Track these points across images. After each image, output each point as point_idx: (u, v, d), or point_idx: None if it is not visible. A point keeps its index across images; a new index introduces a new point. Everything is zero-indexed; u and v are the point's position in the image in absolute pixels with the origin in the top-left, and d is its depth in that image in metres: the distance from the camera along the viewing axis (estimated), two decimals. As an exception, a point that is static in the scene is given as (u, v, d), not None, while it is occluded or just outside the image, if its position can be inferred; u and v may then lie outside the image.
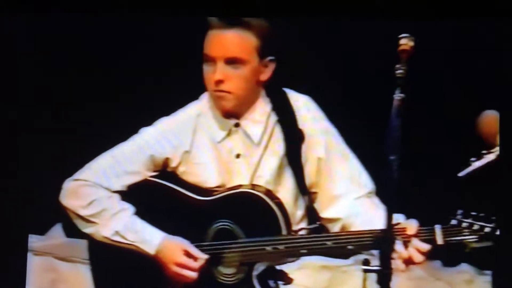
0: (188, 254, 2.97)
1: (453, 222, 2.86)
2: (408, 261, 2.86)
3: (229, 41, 2.97)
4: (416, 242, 2.86)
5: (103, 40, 4.09)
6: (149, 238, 3.00)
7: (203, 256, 2.98)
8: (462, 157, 3.67)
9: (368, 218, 2.98)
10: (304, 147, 3.05)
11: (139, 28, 4.01)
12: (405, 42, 2.59)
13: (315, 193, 3.08)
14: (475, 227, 2.84)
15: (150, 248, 2.99)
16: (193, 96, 3.13)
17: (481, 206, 2.90)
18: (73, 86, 4.18)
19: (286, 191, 3.04)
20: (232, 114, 3.04)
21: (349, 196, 3.05)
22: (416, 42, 2.59)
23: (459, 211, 2.87)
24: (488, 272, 4.01)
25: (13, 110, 3.95)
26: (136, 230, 3.01)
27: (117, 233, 3.01)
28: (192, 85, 3.11)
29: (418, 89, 2.96)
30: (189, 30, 3.16)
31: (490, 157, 2.95)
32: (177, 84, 3.87)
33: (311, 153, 3.05)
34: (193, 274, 2.97)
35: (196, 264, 2.97)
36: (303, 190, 3.04)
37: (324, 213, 3.07)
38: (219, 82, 2.98)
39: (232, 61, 2.98)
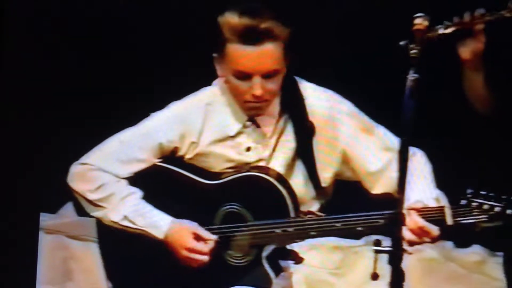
0: (197, 237, 2.96)
1: (463, 202, 2.84)
2: (411, 241, 2.84)
3: (265, 57, 2.89)
4: (414, 215, 2.83)
5: (114, 24, 4.09)
6: (157, 222, 2.98)
7: (212, 238, 2.97)
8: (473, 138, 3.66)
9: (418, 175, 2.91)
10: (319, 139, 3.01)
11: (152, 10, 4.01)
12: (420, 22, 2.57)
13: (353, 174, 3.04)
14: (485, 206, 2.82)
15: (159, 232, 2.97)
16: (206, 81, 3.11)
17: (491, 185, 2.89)
18: (84, 70, 4.19)
19: (298, 185, 3.02)
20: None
21: (390, 166, 2.98)
22: (431, 21, 2.57)
23: (469, 191, 2.85)
24: (500, 253, 4.01)
25: (26, 96, 3.96)
26: (145, 215, 2.99)
27: (125, 217, 2.99)
28: (205, 70, 3.08)
29: (433, 69, 2.95)
30: (203, 13, 3.13)
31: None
32: (190, 68, 3.87)
33: (329, 144, 3.02)
34: (205, 258, 2.96)
35: (206, 247, 2.96)
36: (316, 182, 3.02)
37: (374, 190, 3.02)
38: (258, 96, 2.94)
39: (269, 75, 2.93)
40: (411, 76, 2.48)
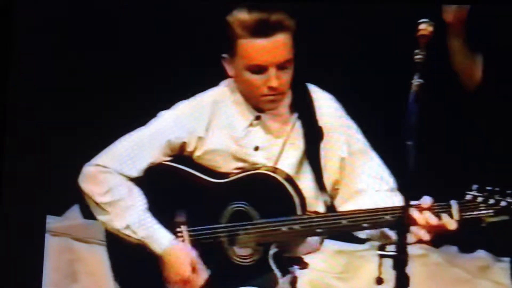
0: (193, 269, 2.98)
1: (468, 197, 2.85)
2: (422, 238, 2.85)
3: (278, 48, 2.95)
4: (427, 214, 2.84)
5: (122, 24, 4.10)
6: (159, 238, 3.00)
7: (206, 274, 2.99)
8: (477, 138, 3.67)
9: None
10: (326, 145, 3.03)
11: (161, 11, 4.02)
12: (425, 27, 2.58)
13: (336, 189, 3.07)
14: (491, 201, 2.83)
15: (158, 248, 3.00)
16: (213, 81, 3.13)
17: (497, 181, 2.89)
18: (92, 70, 4.19)
19: (305, 187, 3.03)
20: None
21: (370, 190, 3.03)
22: (435, 27, 2.58)
23: (474, 186, 2.86)
24: (504, 259, 4.01)
25: (33, 98, 3.97)
26: (147, 227, 3.02)
27: (128, 227, 3.02)
28: (212, 71, 3.10)
29: (437, 74, 2.96)
30: (211, 14, 3.15)
31: None
32: (197, 69, 3.88)
33: (333, 151, 3.04)
34: None
35: (199, 280, 2.98)
36: (322, 186, 3.03)
37: (342, 207, 3.04)
38: (275, 88, 2.97)
39: (284, 65, 2.97)
40: (416, 81, 2.49)
